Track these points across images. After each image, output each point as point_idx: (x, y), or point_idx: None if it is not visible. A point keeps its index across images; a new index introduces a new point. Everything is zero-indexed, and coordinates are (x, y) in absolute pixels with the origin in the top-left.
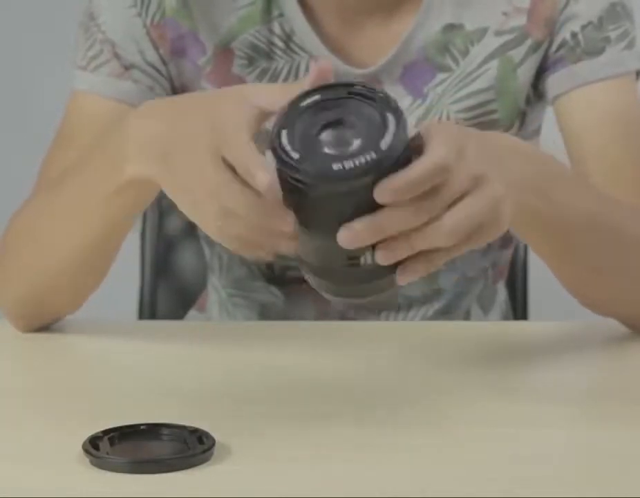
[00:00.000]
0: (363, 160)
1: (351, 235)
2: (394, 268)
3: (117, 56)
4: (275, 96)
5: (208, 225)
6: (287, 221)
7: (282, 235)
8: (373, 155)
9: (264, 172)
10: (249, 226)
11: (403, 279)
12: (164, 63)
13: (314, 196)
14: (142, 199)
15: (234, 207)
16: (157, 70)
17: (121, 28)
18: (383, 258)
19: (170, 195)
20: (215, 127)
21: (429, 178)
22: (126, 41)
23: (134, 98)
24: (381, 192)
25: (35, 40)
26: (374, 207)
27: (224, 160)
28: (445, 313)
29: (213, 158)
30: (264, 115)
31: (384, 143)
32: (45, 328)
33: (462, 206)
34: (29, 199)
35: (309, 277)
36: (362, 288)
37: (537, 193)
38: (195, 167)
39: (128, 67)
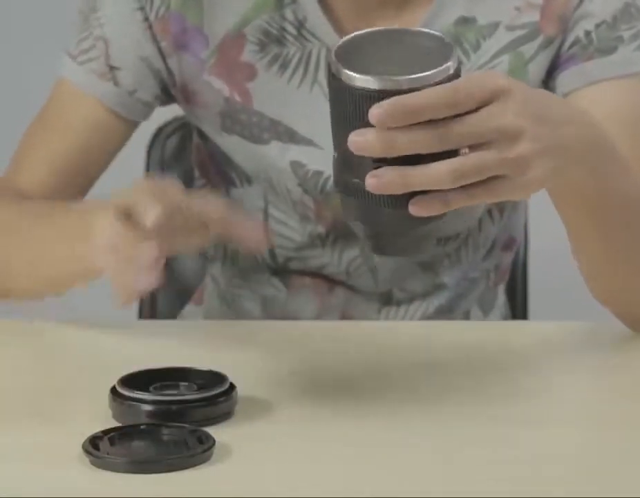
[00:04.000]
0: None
1: (359, 140)
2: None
3: (106, 54)
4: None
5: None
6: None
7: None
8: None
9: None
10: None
11: (414, 209)
12: (164, 57)
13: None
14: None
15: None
16: (152, 69)
17: (119, 22)
18: (371, 184)
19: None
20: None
21: (429, 105)
22: (122, 37)
23: (110, 102)
24: (377, 107)
25: (36, 43)
26: None
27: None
28: (445, 312)
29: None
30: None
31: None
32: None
33: (476, 154)
34: (2, 187)
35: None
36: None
37: (583, 165)
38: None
39: (114, 67)
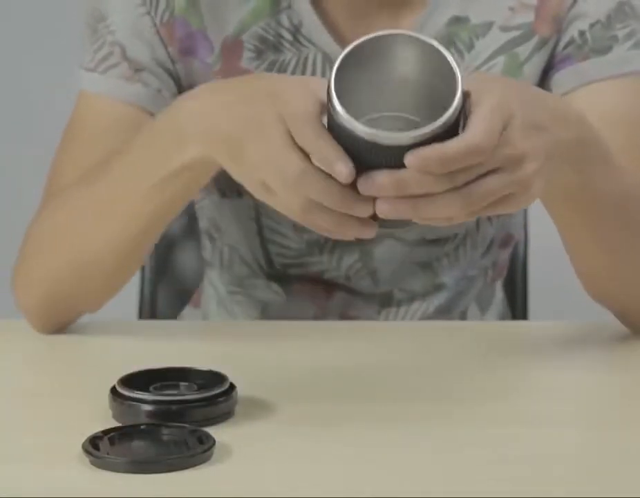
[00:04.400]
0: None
1: (370, 185)
2: None
3: (126, 59)
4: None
5: (291, 212)
6: (368, 208)
7: (364, 222)
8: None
9: (343, 162)
10: (334, 216)
11: (419, 220)
12: (173, 62)
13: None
14: (195, 183)
15: (319, 199)
16: (166, 70)
17: (130, 27)
18: (382, 211)
19: (236, 177)
20: (285, 114)
21: (463, 160)
22: (136, 41)
23: (142, 101)
24: (412, 159)
25: (36, 43)
26: (401, 163)
27: (298, 147)
28: (444, 312)
29: (287, 147)
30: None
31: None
32: (61, 329)
33: (487, 181)
34: (49, 200)
35: None
36: None
37: (574, 163)
38: (268, 155)
39: (138, 69)
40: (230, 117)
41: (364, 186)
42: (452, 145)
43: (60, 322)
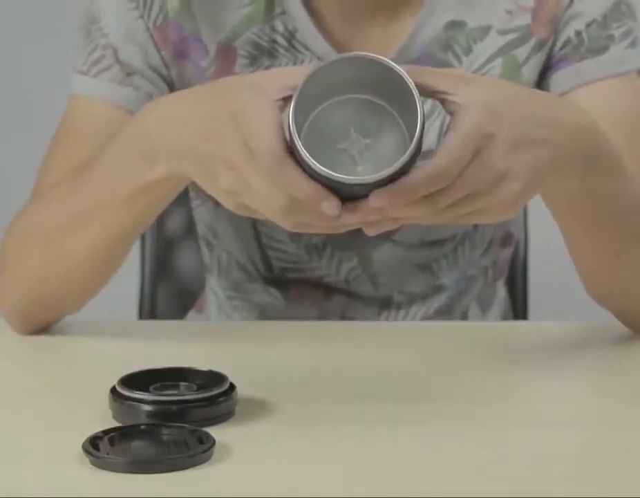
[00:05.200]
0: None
1: (352, 217)
2: None
3: (119, 62)
4: (293, 80)
5: (280, 225)
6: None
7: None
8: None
9: (327, 200)
10: (325, 228)
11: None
12: (166, 66)
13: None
14: (169, 193)
15: (308, 222)
16: (159, 74)
17: (123, 31)
18: (369, 232)
19: (210, 193)
20: (253, 148)
21: (427, 188)
22: (129, 44)
23: (132, 105)
24: (376, 200)
25: (36, 43)
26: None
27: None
28: (444, 313)
29: (267, 184)
30: (285, 101)
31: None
32: (43, 329)
33: (459, 207)
34: (31, 202)
35: None
36: None
37: (580, 174)
38: (245, 186)
39: (130, 73)
40: (195, 134)
41: (347, 219)
42: (411, 179)
43: (41, 323)
